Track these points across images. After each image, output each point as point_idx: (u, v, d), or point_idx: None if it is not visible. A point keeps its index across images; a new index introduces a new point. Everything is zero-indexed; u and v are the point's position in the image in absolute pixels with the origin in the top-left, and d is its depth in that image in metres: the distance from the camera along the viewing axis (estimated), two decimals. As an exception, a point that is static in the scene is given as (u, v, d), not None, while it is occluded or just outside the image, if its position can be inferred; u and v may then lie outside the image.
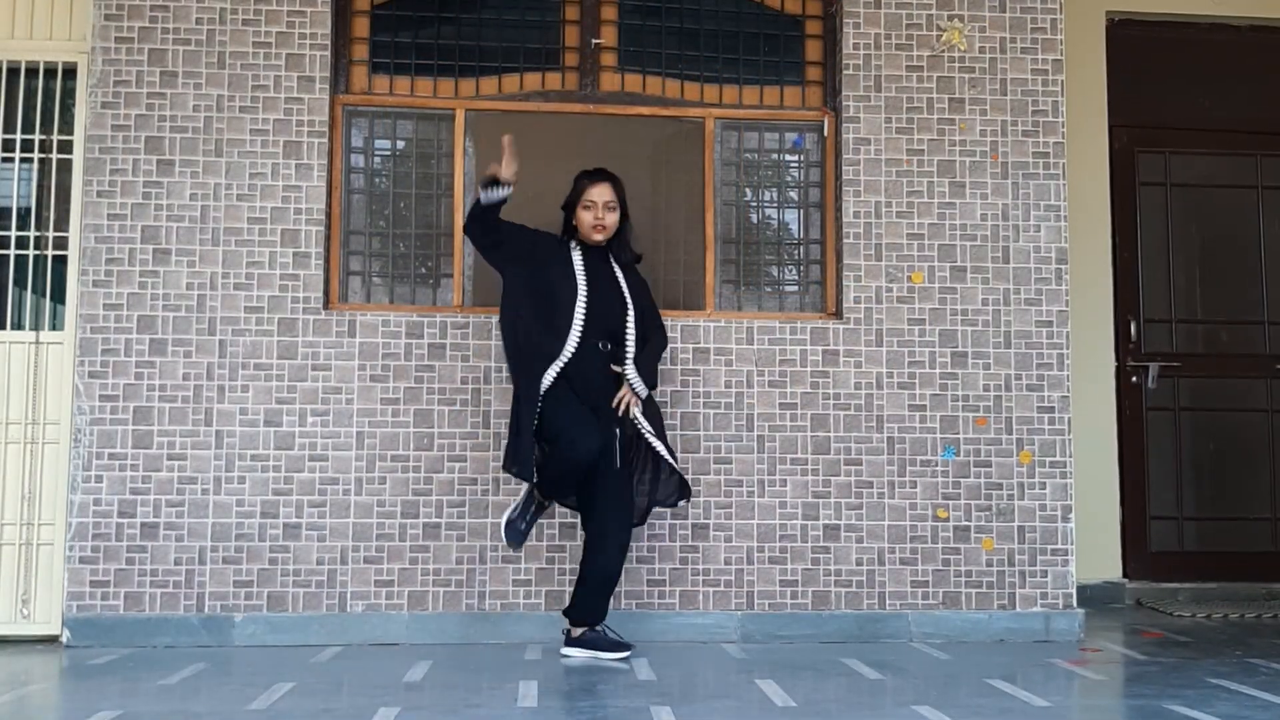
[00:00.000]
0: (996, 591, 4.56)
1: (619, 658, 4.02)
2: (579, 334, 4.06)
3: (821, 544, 4.53)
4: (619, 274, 4.23)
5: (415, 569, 4.40)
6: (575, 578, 4.24)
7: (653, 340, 4.26)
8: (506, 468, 4.11)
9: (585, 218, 4.18)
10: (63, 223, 4.53)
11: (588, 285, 4.13)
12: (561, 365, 4.03)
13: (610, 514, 4.10)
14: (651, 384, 4.20)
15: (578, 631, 4.12)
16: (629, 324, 4.16)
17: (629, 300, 4.18)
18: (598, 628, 4.12)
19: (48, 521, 4.42)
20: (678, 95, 4.80)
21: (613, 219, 4.20)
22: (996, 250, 4.69)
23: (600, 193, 4.18)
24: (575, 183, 4.24)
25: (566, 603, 4.31)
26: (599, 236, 4.19)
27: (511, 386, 4.19)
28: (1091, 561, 5.42)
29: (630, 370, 4.13)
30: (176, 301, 4.42)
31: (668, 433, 4.47)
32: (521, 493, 4.17)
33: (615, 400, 4.11)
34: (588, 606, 4.12)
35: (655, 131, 4.83)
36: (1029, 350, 4.66)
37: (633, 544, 4.45)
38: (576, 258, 4.18)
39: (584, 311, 4.08)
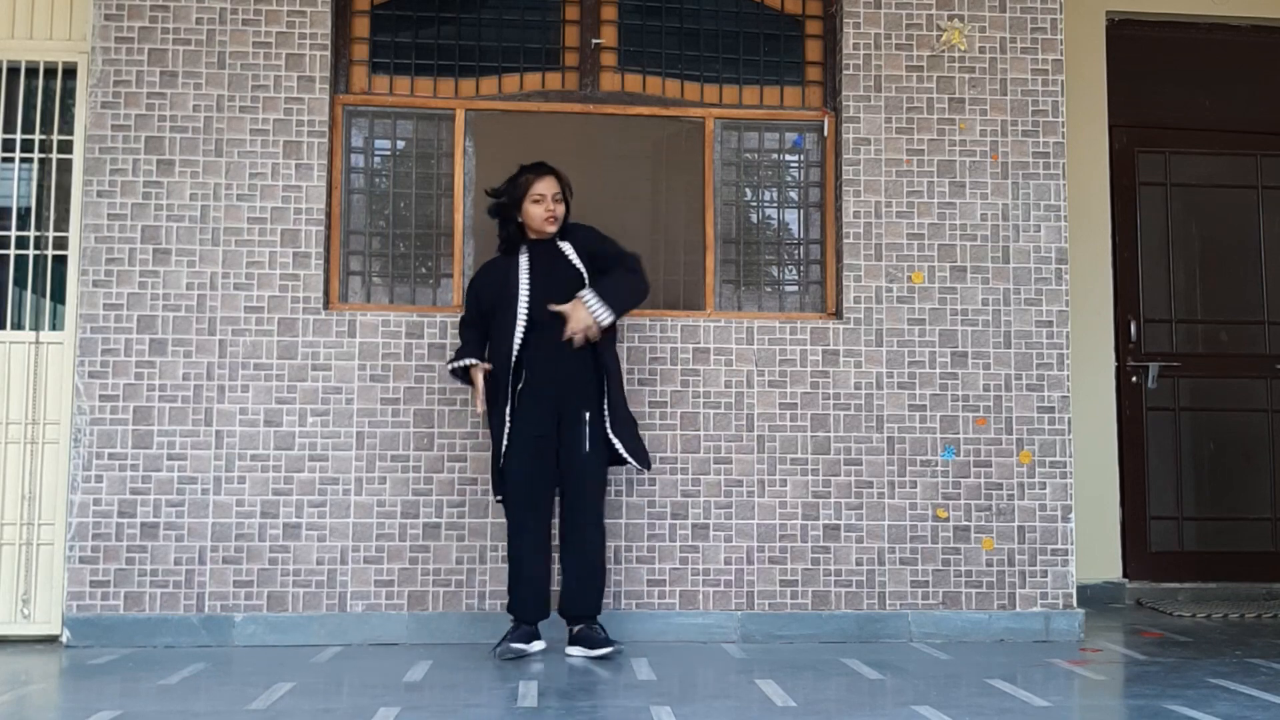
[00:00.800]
0: (996, 591, 4.56)
1: (608, 651, 4.05)
2: (522, 329, 4.08)
3: (821, 544, 4.53)
4: (570, 254, 4.21)
5: (415, 569, 4.40)
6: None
7: (613, 271, 4.19)
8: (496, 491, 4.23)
9: (536, 211, 4.17)
10: (63, 223, 4.53)
11: (530, 282, 4.14)
12: (513, 381, 4.09)
13: (583, 502, 4.11)
14: (615, 307, 4.10)
15: (575, 628, 4.13)
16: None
17: (584, 272, 4.17)
18: (594, 625, 4.13)
19: (48, 521, 4.42)
20: (678, 95, 4.80)
21: (562, 209, 4.21)
22: (996, 250, 4.69)
23: (548, 185, 4.18)
24: (518, 178, 4.22)
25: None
26: (552, 228, 4.18)
27: None
28: (1091, 561, 5.43)
29: (586, 292, 4.10)
30: (176, 301, 4.42)
31: (667, 432, 4.47)
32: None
33: (566, 334, 4.06)
34: (578, 599, 4.14)
35: (655, 131, 4.83)
36: (1029, 350, 4.66)
37: (632, 544, 4.46)
38: (523, 261, 4.19)
39: (527, 308, 4.10)
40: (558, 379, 4.11)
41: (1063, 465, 4.62)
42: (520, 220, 4.22)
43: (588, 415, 4.10)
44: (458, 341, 4.41)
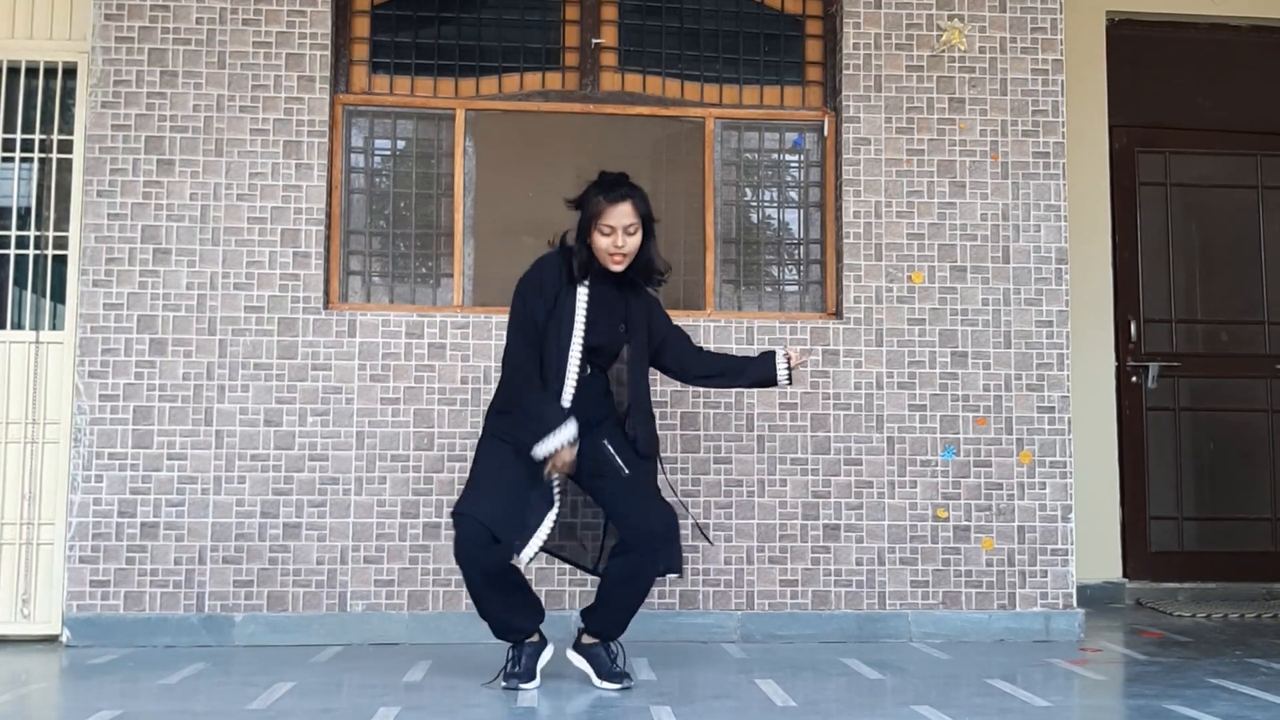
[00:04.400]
0: (996, 591, 4.56)
1: (615, 688, 3.55)
2: (575, 379, 3.54)
3: (821, 544, 4.53)
4: (627, 305, 3.65)
5: (415, 569, 4.40)
6: (575, 576, 4.23)
7: (702, 351, 3.86)
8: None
9: (603, 244, 3.52)
10: (63, 222, 4.53)
11: (586, 326, 3.56)
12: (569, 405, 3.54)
13: (649, 520, 3.52)
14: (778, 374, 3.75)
15: (590, 641, 3.66)
16: (622, 360, 3.69)
17: (627, 338, 3.65)
18: (611, 646, 3.64)
19: (48, 521, 4.42)
20: (678, 95, 4.80)
21: (634, 243, 3.54)
22: (996, 250, 4.69)
23: (621, 215, 3.51)
24: (590, 196, 3.55)
25: (567, 603, 4.32)
26: (617, 267, 3.55)
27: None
28: (1091, 561, 5.42)
29: (780, 371, 3.74)
30: (176, 301, 4.42)
31: (669, 432, 4.47)
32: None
33: (794, 363, 3.73)
34: (614, 616, 3.62)
35: (655, 131, 4.83)
36: (1029, 350, 4.66)
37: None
38: (581, 295, 3.57)
39: (580, 355, 3.55)
40: (590, 408, 3.58)
41: (1063, 465, 4.62)
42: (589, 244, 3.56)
43: (607, 442, 3.58)
44: (459, 341, 4.40)
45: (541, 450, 3.46)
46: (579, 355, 3.55)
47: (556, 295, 3.56)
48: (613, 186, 3.55)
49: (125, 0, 4.49)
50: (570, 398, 3.53)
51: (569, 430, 3.46)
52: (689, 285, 4.75)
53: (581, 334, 3.55)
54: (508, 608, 3.58)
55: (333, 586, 4.36)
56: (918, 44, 4.74)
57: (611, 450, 3.58)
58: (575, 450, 3.48)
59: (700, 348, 3.87)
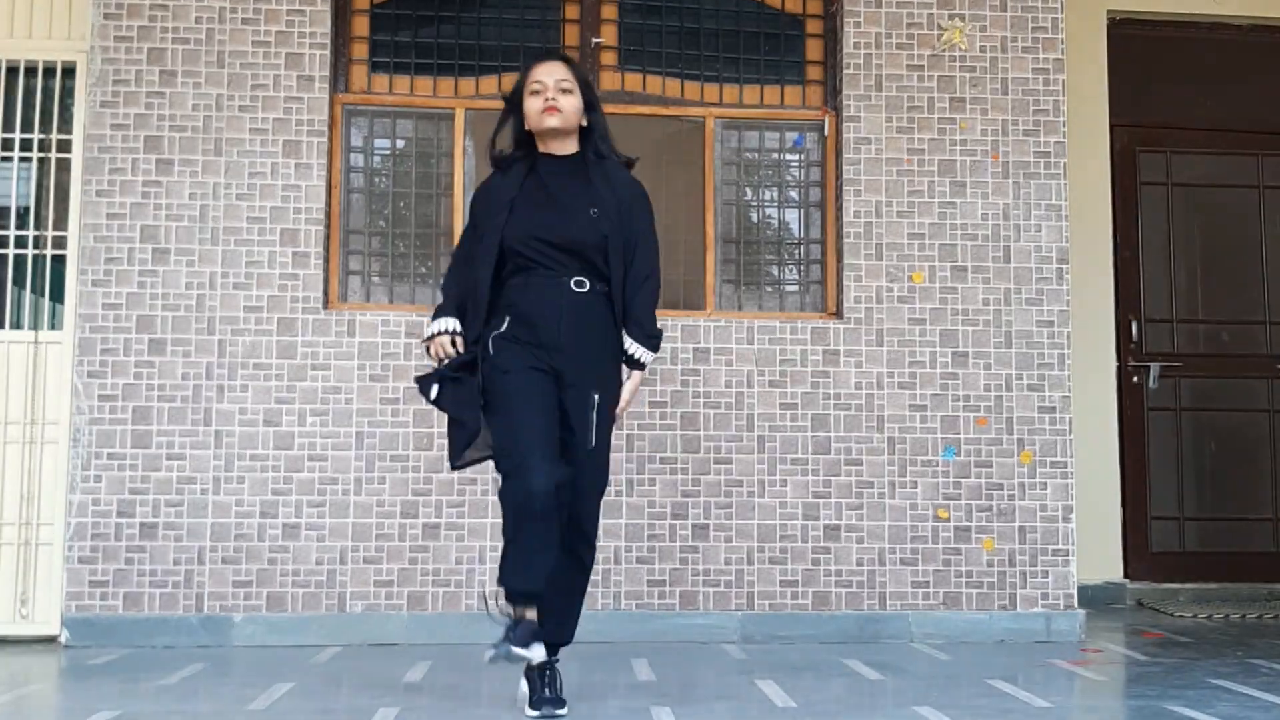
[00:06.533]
0: (997, 592, 4.55)
1: (552, 714, 3.13)
2: (520, 254, 3.18)
3: (821, 544, 4.53)
4: (598, 186, 3.24)
5: (415, 569, 4.39)
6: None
7: (642, 288, 3.27)
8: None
9: (533, 104, 3.23)
10: (62, 222, 4.53)
11: (526, 198, 3.22)
12: (504, 316, 3.20)
13: (577, 509, 3.22)
14: (654, 345, 3.28)
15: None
16: (603, 248, 3.20)
17: (599, 218, 3.20)
18: (555, 665, 3.23)
19: (47, 521, 4.41)
20: (678, 95, 4.80)
21: (570, 102, 3.23)
22: (997, 250, 4.69)
23: (549, 71, 3.25)
24: (521, 75, 3.34)
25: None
26: (553, 120, 3.21)
27: None
28: (1092, 562, 5.41)
29: (629, 343, 3.25)
30: (176, 301, 4.41)
31: (667, 432, 4.47)
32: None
33: (620, 408, 3.28)
34: (552, 626, 3.23)
35: (655, 131, 4.83)
36: (1030, 350, 4.65)
37: (632, 544, 4.45)
38: (531, 176, 3.27)
39: (516, 231, 3.18)
40: (564, 334, 3.17)
41: (1064, 465, 4.61)
42: (529, 129, 3.28)
43: (597, 398, 3.18)
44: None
45: (426, 331, 3.33)
46: (511, 228, 3.19)
47: (508, 187, 3.26)
48: (545, 52, 3.45)
49: (125, 0, 4.48)
50: (488, 278, 3.18)
51: (441, 323, 3.27)
52: (689, 285, 4.75)
53: (518, 203, 3.20)
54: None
55: (332, 587, 4.36)
56: (918, 43, 4.73)
57: (595, 407, 3.17)
58: (452, 342, 3.26)
59: (641, 292, 3.27)
